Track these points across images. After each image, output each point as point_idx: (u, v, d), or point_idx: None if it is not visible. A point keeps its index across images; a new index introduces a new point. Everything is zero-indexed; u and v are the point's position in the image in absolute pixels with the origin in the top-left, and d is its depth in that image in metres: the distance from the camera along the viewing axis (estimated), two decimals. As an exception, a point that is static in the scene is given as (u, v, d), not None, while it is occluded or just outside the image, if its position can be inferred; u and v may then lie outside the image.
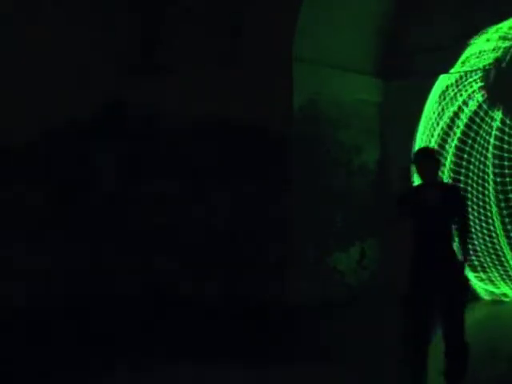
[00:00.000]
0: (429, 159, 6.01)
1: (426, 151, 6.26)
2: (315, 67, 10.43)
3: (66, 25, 10.57)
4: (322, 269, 10.50)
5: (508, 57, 10.40)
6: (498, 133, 10.52)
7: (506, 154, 10.43)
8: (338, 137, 10.86)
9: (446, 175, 10.68)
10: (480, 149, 10.58)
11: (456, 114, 10.76)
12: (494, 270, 10.24)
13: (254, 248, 10.37)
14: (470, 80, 10.69)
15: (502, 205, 10.26)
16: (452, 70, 10.70)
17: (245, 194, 10.44)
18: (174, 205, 10.95)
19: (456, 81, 10.72)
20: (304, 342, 8.12)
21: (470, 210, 10.40)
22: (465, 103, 10.70)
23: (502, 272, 10.23)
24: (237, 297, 10.21)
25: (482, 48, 10.55)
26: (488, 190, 10.44)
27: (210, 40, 10.68)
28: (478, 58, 10.60)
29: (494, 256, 10.24)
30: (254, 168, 10.38)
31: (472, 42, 10.41)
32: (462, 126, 10.68)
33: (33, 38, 10.20)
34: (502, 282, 10.28)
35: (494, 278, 10.31)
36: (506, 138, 10.48)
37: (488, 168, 10.42)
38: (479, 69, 10.57)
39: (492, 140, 10.50)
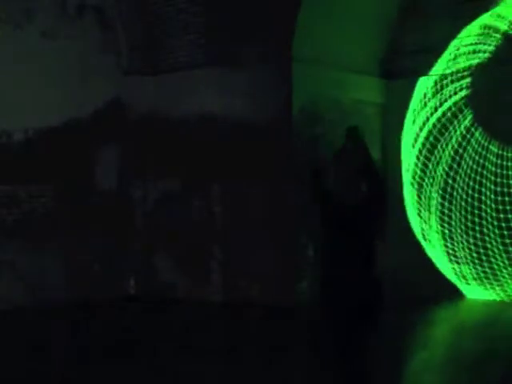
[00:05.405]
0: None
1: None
2: (315, 67, 10.42)
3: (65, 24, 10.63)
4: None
5: None
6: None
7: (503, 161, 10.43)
8: (338, 137, 10.82)
9: (437, 178, 10.69)
10: (477, 152, 10.58)
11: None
12: (490, 276, 10.27)
13: (251, 248, 10.39)
14: (456, 85, 10.69)
15: (498, 214, 10.26)
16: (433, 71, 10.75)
17: (244, 194, 10.43)
18: (176, 204, 10.97)
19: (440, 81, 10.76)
20: (304, 342, 8.12)
21: (463, 213, 10.42)
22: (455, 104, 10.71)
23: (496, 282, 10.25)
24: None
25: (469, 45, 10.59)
26: (485, 186, 10.42)
27: (209, 40, 10.69)
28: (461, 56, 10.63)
29: (485, 263, 10.25)
30: (254, 168, 10.37)
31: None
32: (458, 130, 10.68)
33: (32, 37, 10.24)
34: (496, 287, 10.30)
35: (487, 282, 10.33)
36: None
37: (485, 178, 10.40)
38: (467, 68, 10.58)
39: (492, 146, 10.49)
